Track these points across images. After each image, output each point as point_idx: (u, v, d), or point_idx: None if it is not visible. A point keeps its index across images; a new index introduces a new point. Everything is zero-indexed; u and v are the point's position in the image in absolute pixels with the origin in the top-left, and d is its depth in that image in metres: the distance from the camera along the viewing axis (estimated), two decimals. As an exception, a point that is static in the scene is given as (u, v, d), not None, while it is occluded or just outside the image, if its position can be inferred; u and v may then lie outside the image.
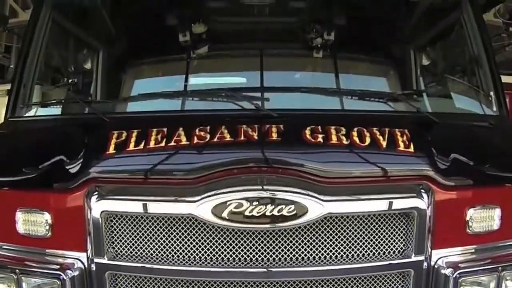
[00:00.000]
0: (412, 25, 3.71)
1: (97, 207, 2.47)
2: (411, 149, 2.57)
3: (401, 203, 2.50)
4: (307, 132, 2.53)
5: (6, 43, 5.50)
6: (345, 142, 2.52)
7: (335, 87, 3.33)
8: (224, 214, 2.34)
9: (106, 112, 2.96)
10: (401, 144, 2.57)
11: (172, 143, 2.50)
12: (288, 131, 2.53)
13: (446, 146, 2.68)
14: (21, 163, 2.71)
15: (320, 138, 2.51)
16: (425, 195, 2.52)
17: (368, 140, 2.54)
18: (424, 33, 3.76)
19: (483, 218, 2.62)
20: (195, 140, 2.50)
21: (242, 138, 2.49)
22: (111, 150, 2.54)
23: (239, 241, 2.42)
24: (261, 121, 2.59)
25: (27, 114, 3.17)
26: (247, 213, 2.34)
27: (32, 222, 2.57)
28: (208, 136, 2.51)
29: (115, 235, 2.51)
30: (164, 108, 3.00)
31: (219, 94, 2.87)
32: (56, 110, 3.21)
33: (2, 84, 6.01)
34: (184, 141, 2.50)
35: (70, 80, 3.38)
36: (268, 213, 2.35)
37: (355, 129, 2.57)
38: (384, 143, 2.55)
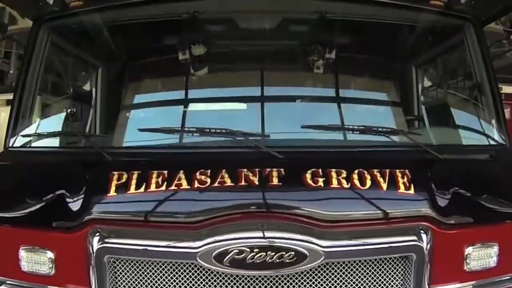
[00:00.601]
0: (414, 50, 3.66)
1: (99, 249, 2.50)
2: (411, 190, 2.58)
3: (400, 247, 2.52)
4: (308, 176, 2.53)
5: (6, 49, 5.44)
6: (345, 185, 2.53)
7: (336, 113, 3.31)
8: (226, 261, 2.37)
9: (106, 147, 2.96)
10: (402, 186, 2.58)
11: (173, 187, 2.51)
12: (288, 175, 2.53)
13: (446, 184, 2.69)
14: (23, 199, 2.73)
15: (320, 182, 2.52)
16: (424, 236, 2.54)
17: (368, 183, 2.55)
18: (426, 58, 3.71)
19: (481, 256, 2.65)
20: (196, 185, 2.51)
21: (243, 183, 2.50)
22: (112, 192, 2.55)
23: (241, 287, 2.46)
24: (262, 163, 2.59)
25: (27, 145, 3.16)
26: (248, 260, 2.37)
27: (36, 260, 2.61)
28: (208, 180, 2.51)
29: (118, 276, 2.55)
30: (164, 142, 3.00)
31: (219, 133, 2.85)
32: (56, 141, 3.21)
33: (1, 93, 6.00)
34: (184, 185, 2.51)
35: (69, 110, 3.35)
36: (269, 260, 2.37)
37: (356, 171, 2.57)
38: (384, 186, 2.56)
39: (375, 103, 3.58)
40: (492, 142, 3.16)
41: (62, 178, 2.79)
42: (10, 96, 6.71)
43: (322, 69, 3.42)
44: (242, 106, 3.40)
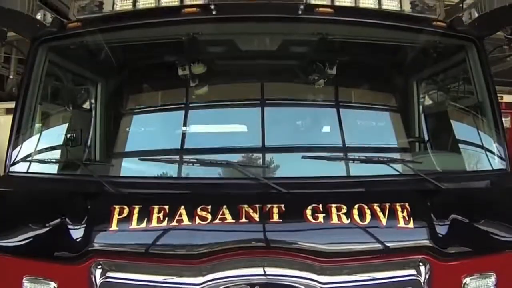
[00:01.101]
0: (415, 69, 3.63)
1: (101, 282, 2.54)
2: (411, 224, 2.60)
3: (399, 281, 2.56)
4: (308, 211, 2.55)
5: (5, 54, 5.40)
6: (345, 221, 2.55)
7: (337, 138, 3.30)
8: None
9: (105, 176, 2.99)
10: (401, 220, 2.60)
11: (174, 223, 2.53)
12: (289, 211, 2.55)
13: (445, 214, 2.71)
14: (25, 228, 2.75)
15: (320, 218, 2.54)
16: (422, 269, 2.58)
17: (368, 218, 2.57)
18: (428, 78, 3.68)
19: (479, 286, 2.68)
20: (197, 221, 2.53)
21: (244, 219, 2.51)
22: (114, 226, 2.57)
23: None
24: (262, 198, 2.61)
25: (27, 169, 3.16)
26: None
27: None
28: (209, 216, 2.53)
29: None
30: (164, 171, 3.01)
31: (220, 164, 2.86)
32: (56, 166, 3.21)
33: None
34: (186, 221, 2.53)
35: (68, 135, 3.34)
36: None
37: (356, 206, 2.59)
38: (384, 220, 2.58)
39: (376, 124, 3.57)
40: (492, 167, 3.15)
41: (64, 208, 2.79)
42: (9, 105, 6.70)
43: (323, 90, 3.40)
44: (243, 128, 3.39)
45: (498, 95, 6.92)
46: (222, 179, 2.92)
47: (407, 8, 3.43)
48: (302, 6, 3.01)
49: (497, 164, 3.15)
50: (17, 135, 3.19)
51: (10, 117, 6.74)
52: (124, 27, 3.20)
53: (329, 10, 3.14)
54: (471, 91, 3.37)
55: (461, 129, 3.47)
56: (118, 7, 3.39)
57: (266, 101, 3.37)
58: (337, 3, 3.27)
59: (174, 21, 3.15)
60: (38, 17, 3.21)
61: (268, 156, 3.07)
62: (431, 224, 2.64)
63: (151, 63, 3.53)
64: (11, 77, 5.69)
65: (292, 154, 3.15)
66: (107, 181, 2.82)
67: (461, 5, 3.74)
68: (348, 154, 3.14)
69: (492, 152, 3.18)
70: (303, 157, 2.92)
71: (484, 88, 3.29)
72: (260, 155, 3.10)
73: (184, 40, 3.24)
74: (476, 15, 3.26)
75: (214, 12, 3.04)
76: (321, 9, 3.12)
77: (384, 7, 3.39)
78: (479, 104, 3.31)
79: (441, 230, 2.65)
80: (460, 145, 3.36)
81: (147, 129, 3.53)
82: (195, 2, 3.30)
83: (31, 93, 3.25)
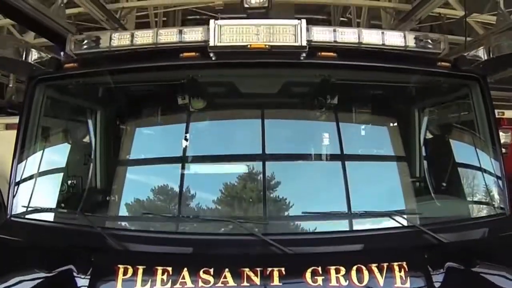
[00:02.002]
0: (418, 108, 3.59)
1: None
2: (407, 284, 2.67)
3: None
4: (308, 275, 2.61)
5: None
6: (344, 283, 2.61)
7: (336, 190, 3.30)
8: None
9: (106, 228, 3.06)
10: (398, 280, 2.67)
11: (178, 285, 2.60)
12: (289, 275, 2.61)
13: (443, 269, 2.77)
14: (28, 282, 2.79)
15: (320, 281, 2.60)
16: None
17: (366, 280, 2.64)
18: (430, 117, 3.64)
19: None
20: (200, 284, 2.59)
21: (245, 283, 2.58)
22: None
23: None
24: (263, 260, 2.67)
25: (28, 214, 3.18)
26: None
27: None
28: (212, 280, 2.59)
29: None
30: (165, 225, 3.04)
31: (221, 221, 2.90)
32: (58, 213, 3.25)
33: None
34: (189, 284, 2.59)
35: (69, 182, 3.35)
36: None
37: (354, 267, 2.65)
38: (381, 281, 2.65)
39: (376, 171, 3.57)
40: (492, 212, 3.20)
41: (67, 261, 2.83)
42: (9, 120, 6.62)
43: (323, 140, 3.40)
44: (244, 167, 3.38)
45: (499, 111, 6.95)
46: (223, 234, 2.97)
47: (411, 44, 3.36)
48: (304, 54, 2.95)
49: (497, 208, 3.18)
50: (18, 178, 3.21)
51: (10, 132, 6.76)
52: (121, 70, 3.14)
53: (331, 54, 3.06)
54: (473, 131, 3.35)
55: (462, 172, 3.47)
56: (115, 43, 3.31)
57: (267, 154, 3.30)
58: (340, 41, 3.23)
59: (173, 65, 3.08)
60: (35, 56, 3.15)
61: (268, 210, 3.09)
62: (429, 282, 2.71)
63: (150, 104, 3.48)
64: (10, 85, 5.62)
65: (292, 209, 3.18)
66: (108, 233, 2.87)
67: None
68: (348, 209, 3.15)
69: (493, 197, 3.21)
70: (303, 213, 2.96)
71: (487, 129, 3.28)
72: (261, 209, 3.14)
73: (183, 82, 3.19)
74: (480, 54, 3.21)
75: (213, 58, 2.98)
76: (323, 53, 3.05)
77: (388, 43, 3.33)
78: (480, 145, 3.31)
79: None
80: (460, 189, 3.39)
81: (147, 177, 3.52)
82: (194, 39, 3.25)
83: (30, 133, 3.25)
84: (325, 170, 3.59)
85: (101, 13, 6.39)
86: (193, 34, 3.17)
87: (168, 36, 3.20)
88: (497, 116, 6.84)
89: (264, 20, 2.94)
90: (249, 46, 2.89)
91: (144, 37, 3.23)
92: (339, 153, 3.45)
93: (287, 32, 2.85)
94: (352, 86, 3.37)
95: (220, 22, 2.87)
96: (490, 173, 3.28)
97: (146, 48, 3.20)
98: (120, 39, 3.28)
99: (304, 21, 2.87)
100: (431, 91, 3.44)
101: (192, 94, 3.26)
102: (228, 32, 2.85)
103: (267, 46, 2.93)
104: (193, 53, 3.03)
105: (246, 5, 3.37)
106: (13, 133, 7.02)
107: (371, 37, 3.25)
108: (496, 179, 3.24)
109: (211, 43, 2.86)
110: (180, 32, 3.17)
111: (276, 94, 3.40)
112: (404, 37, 3.31)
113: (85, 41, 3.32)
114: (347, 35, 3.20)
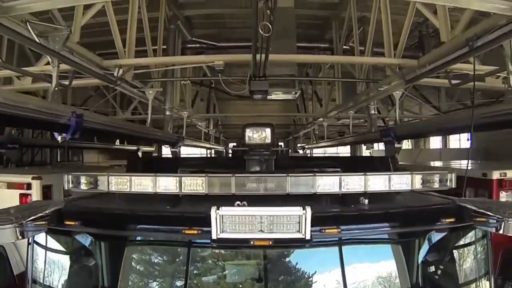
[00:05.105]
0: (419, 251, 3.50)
1: None
2: None
3: None
4: None
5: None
6: None
7: None
8: None
9: None
10: None
11: None
12: None
13: None
14: None
15: None
16: None
17: None
18: (430, 259, 3.55)
19: None
20: None
21: None
22: None
23: None
24: None
25: None
26: None
27: None
28: None
29: None
30: None
31: None
32: None
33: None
34: None
35: None
36: None
37: None
38: None
39: None
40: None
41: None
42: (10, 178, 6.49)
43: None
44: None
45: (502, 171, 6.76)
46: None
47: (418, 185, 3.29)
48: (307, 245, 2.87)
49: None
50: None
51: (11, 191, 6.60)
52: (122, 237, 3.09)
53: (335, 230, 2.97)
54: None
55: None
56: (113, 188, 3.26)
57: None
58: (344, 190, 3.14)
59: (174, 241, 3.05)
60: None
61: None
62: None
63: (152, 258, 3.39)
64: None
65: None
66: None
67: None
68: None
69: None
70: None
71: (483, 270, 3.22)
72: None
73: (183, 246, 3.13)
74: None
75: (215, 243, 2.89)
76: (328, 230, 2.95)
77: (394, 188, 3.25)
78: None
79: None
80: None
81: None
82: (194, 189, 3.18)
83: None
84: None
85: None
86: (193, 186, 3.12)
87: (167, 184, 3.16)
88: (499, 177, 6.79)
89: (266, 209, 2.81)
90: (252, 243, 2.83)
91: (141, 186, 3.18)
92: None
93: (291, 221, 2.74)
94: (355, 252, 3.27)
95: (222, 211, 2.74)
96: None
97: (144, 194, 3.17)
98: (118, 186, 3.22)
99: (309, 211, 2.74)
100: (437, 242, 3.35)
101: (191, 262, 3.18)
102: (230, 222, 2.74)
103: (270, 243, 2.86)
104: (195, 231, 2.92)
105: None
106: (15, 193, 6.83)
107: (377, 184, 3.18)
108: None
109: (213, 236, 2.74)
110: (180, 182, 3.12)
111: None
112: (411, 180, 3.24)
113: (83, 182, 3.31)
114: (352, 185, 3.14)
